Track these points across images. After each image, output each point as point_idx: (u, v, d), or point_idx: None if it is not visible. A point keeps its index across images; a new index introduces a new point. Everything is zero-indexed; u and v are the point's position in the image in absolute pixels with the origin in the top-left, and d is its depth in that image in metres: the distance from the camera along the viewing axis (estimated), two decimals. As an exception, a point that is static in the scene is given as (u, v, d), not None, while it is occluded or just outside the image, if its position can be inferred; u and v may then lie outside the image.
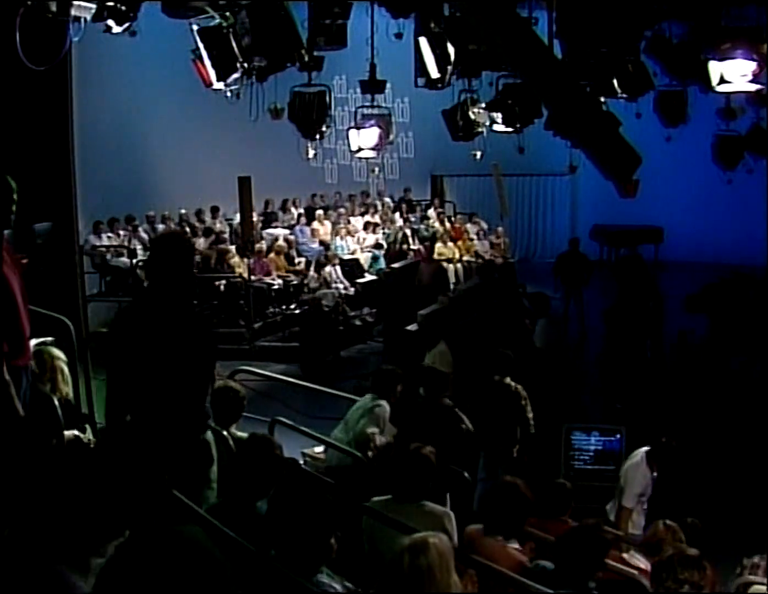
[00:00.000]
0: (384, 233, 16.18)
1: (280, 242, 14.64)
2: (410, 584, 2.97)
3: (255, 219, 14.84)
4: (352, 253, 15.30)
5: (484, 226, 17.46)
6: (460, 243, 16.65)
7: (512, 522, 4.32)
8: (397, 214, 17.36)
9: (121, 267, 12.99)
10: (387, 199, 17.93)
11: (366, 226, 16.15)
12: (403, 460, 4.78)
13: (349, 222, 16.31)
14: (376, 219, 16.62)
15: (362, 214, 16.96)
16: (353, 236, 15.72)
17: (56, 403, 4.71)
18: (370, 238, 15.83)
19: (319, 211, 16.20)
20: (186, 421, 4.09)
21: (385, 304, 13.23)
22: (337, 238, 15.45)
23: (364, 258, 15.26)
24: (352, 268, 14.70)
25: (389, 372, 6.57)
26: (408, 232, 16.41)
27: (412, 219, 17.37)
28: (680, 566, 3.70)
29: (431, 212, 17.71)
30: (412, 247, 15.92)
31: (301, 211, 16.44)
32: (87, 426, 5.32)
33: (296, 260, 14.77)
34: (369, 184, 18.12)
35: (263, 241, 14.41)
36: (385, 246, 15.80)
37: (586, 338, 13.32)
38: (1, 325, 3.93)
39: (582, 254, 14.23)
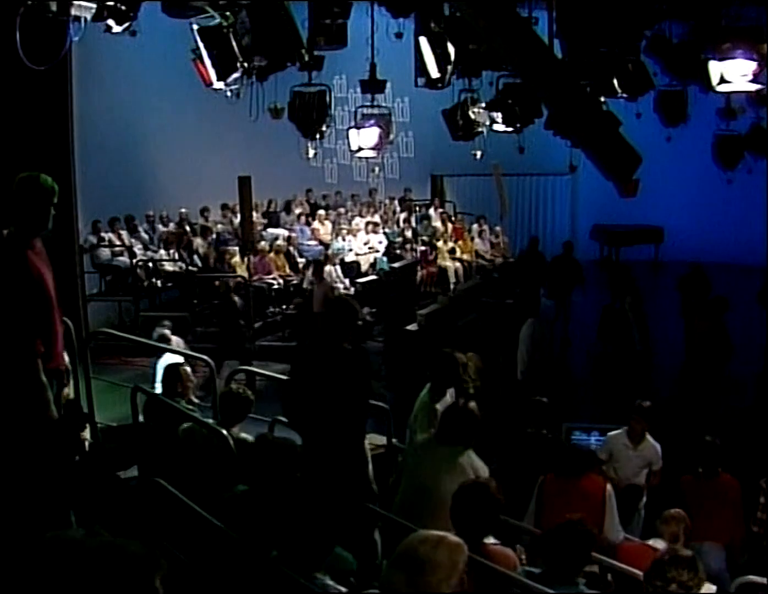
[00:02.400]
0: (385, 233, 16.18)
1: (280, 242, 14.64)
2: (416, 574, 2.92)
3: (255, 219, 14.84)
4: (356, 254, 15.29)
5: (485, 226, 17.47)
6: (460, 243, 16.67)
7: (484, 521, 4.23)
8: (402, 215, 17.36)
9: (121, 267, 12.99)
10: (395, 202, 17.93)
11: (367, 225, 16.15)
12: (449, 412, 5.11)
13: (350, 222, 16.31)
14: (377, 219, 16.60)
15: (363, 214, 16.95)
16: (355, 236, 15.70)
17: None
18: (373, 239, 15.82)
19: (321, 211, 16.19)
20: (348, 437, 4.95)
21: (385, 304, 13.23)
22: (338, 238, 15.45)
23: (366, 259, 15.26)
24: (352, 269, 14.73)
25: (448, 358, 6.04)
26: (408, 233, 16.41)
27: (412, 219, 17.35)
28: (670, 566, 3.71)
29: (432, 212, 17.70)
30: (418, 247, 15.89)
31: (302, 210, 16.43)
32: (87, 425, 5.34)
33: (298, 260, 14.77)
34: (369, 184, 18.11)
35: (264, 241, 14.40)
36: (386, 243, 15.80)
37: (570, 344, 13.36)
38: (37, 324, 3.99)
39: (574, 259, 14.20)
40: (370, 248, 15.56)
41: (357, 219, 16.56)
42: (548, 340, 11.16)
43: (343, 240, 15.40)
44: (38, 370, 3.95)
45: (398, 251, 15.46)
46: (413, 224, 17.04)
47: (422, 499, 4.80)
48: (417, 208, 18.06)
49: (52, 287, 4.13)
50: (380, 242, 15.77)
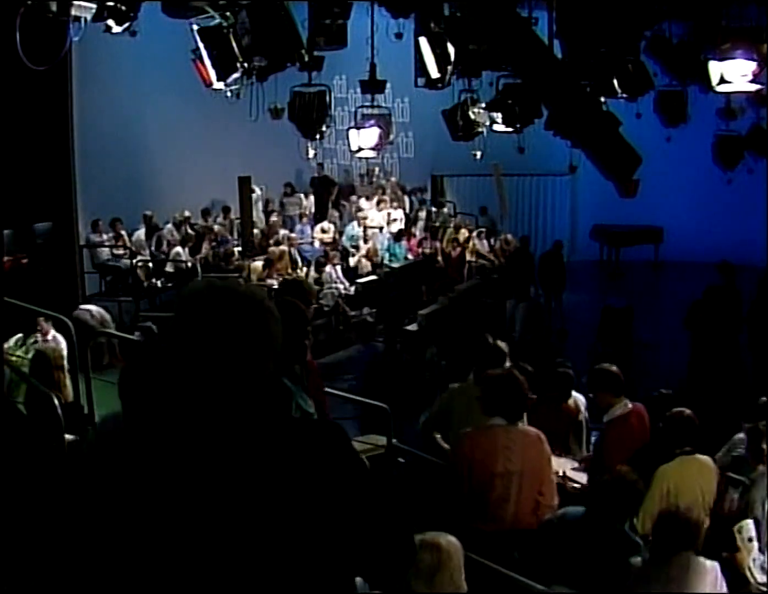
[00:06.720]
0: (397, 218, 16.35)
1: (275, 241, 14.63)
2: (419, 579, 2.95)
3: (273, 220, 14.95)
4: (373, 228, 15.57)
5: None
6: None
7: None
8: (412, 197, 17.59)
9: (121, 267, 13.00)
10: (393, 179, 17.98)
11: (379, 203, 16.31)
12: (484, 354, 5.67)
13: (360, 209, 16.38)
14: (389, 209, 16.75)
15: (368, 197, 17.05)
16: (366, 217, 15.92)
17: (56, 403, 4.73)
18: (392, 214, 16.07)
19: (326, 224, 16.14)
20: None
21: (385, 304, 13.24)
22: (354, 223, 15.70)
23: (366, 258, 15.28)
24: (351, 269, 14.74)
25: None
26: (422, 213, 16.63)
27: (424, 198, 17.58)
28: None
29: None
30: (435, 243, 15.97)
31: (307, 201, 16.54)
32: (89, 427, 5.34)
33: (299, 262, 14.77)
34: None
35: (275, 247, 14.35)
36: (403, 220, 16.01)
37: (567, 334, 13.60)
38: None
39: (561, 260, 14.57)
40: (390, 222, 15.84)
41: (361, 201, 16.69)
42: (540, 321, 12.22)
43: (359, 226, 15.60)
44: None
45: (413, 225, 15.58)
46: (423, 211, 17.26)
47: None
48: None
49: None
50: (395, 220, 15.98)
